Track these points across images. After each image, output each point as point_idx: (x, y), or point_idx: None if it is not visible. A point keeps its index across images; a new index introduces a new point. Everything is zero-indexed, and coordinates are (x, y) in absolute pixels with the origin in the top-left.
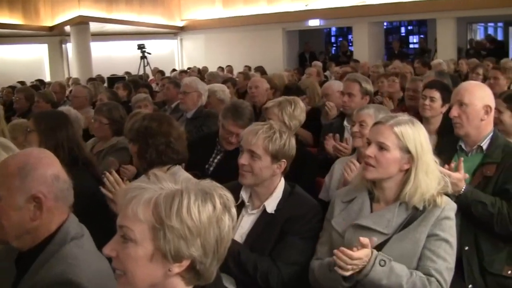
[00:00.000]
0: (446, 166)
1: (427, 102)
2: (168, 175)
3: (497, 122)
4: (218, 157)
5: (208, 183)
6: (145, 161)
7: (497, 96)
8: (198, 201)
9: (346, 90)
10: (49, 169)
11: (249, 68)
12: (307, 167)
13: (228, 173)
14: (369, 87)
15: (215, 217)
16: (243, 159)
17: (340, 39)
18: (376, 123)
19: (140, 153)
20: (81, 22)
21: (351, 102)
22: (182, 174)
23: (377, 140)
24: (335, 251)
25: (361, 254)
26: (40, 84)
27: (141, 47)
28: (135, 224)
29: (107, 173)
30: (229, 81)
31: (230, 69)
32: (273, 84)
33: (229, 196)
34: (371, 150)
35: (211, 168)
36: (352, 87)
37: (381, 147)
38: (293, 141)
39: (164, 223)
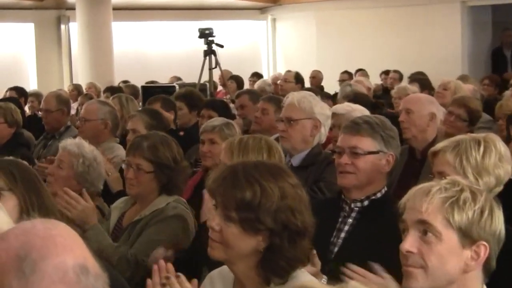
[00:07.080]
0: None
1: None
2: None
3: None
4: (346, 226)
5: None
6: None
7: None
8: None
9: None
10: (69, 256)
11: (399, 74)
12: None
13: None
14: None
15: None
16: (408, 243)
17: None
18: None
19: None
20: None
21: None
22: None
23: None
24: None
25: None
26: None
27: (206, 34)
28: None
29: None
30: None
31: (364, 75)
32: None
33: None
34: None
35: (336, 248)
36: None
37: None
38: (498, 211)
39: None
